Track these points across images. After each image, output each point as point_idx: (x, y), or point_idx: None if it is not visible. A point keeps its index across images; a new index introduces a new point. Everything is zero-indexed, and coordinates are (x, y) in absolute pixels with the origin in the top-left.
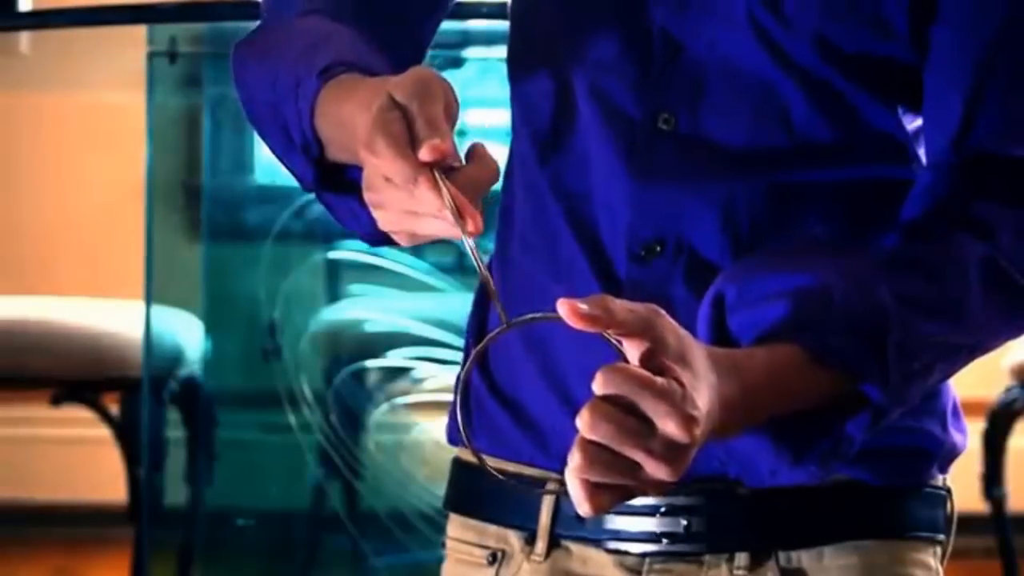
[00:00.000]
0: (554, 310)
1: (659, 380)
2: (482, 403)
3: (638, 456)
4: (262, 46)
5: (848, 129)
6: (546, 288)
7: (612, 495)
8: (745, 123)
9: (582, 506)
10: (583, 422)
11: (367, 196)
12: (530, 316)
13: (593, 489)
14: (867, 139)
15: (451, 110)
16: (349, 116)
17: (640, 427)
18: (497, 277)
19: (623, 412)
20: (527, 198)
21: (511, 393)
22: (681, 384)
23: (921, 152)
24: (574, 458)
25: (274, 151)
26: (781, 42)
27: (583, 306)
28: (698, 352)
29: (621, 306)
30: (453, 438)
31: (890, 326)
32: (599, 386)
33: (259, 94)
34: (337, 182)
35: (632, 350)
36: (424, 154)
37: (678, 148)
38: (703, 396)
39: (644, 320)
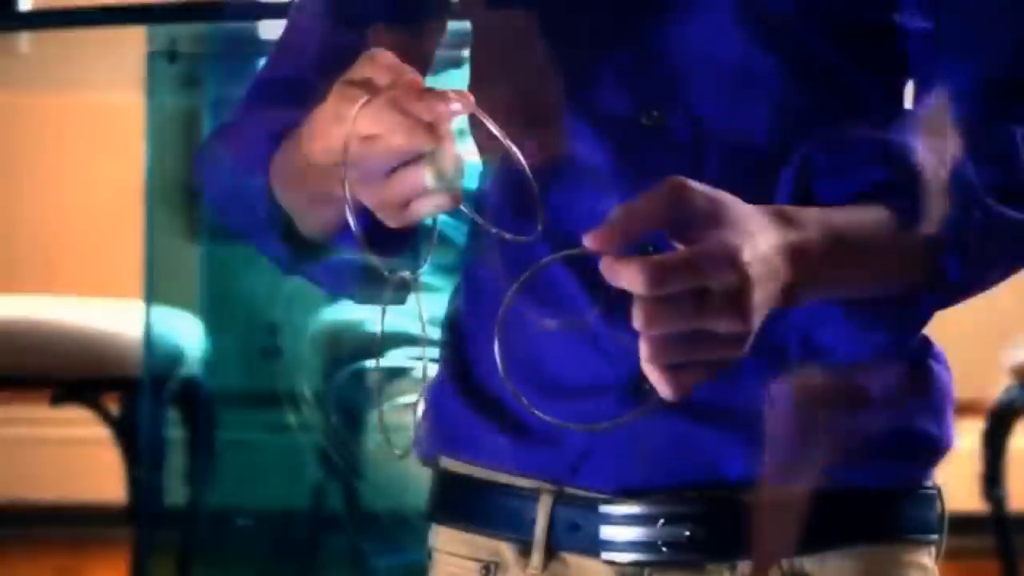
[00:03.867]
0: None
1: (692, 251)
2: (457, 416)
3: (707, 323)
4: (224, 140)
5: (837, 106)
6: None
7: (694, 373)
8: (732, 110)
9: (664, 390)
10: (640, 323)
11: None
12: (564, 253)
13: (672, 372)
14: (858, 116)
15: None
16: (314, 115)
17: (693, 299)
18: (480, 275)
19: (674, 302)
20: None
21: (497, 402)
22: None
23: None
24: (643, 349)
25: (253, 243)
26: (768, 15)
27: (605, 228)
28: (737, 209)
29: (641, 202)
30: (424, 453)
31: (975, 202)
32: (647, 288)
33: (223, 181)
34: (314, 254)
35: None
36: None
37: (666, 142)
38: (745, 245)
39: (667, 202)
